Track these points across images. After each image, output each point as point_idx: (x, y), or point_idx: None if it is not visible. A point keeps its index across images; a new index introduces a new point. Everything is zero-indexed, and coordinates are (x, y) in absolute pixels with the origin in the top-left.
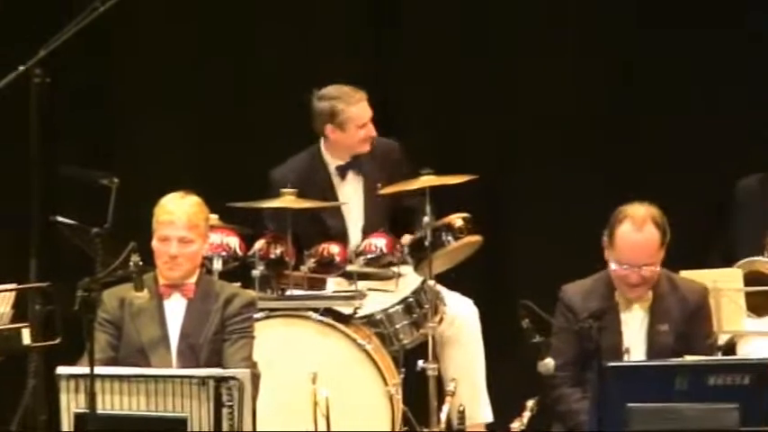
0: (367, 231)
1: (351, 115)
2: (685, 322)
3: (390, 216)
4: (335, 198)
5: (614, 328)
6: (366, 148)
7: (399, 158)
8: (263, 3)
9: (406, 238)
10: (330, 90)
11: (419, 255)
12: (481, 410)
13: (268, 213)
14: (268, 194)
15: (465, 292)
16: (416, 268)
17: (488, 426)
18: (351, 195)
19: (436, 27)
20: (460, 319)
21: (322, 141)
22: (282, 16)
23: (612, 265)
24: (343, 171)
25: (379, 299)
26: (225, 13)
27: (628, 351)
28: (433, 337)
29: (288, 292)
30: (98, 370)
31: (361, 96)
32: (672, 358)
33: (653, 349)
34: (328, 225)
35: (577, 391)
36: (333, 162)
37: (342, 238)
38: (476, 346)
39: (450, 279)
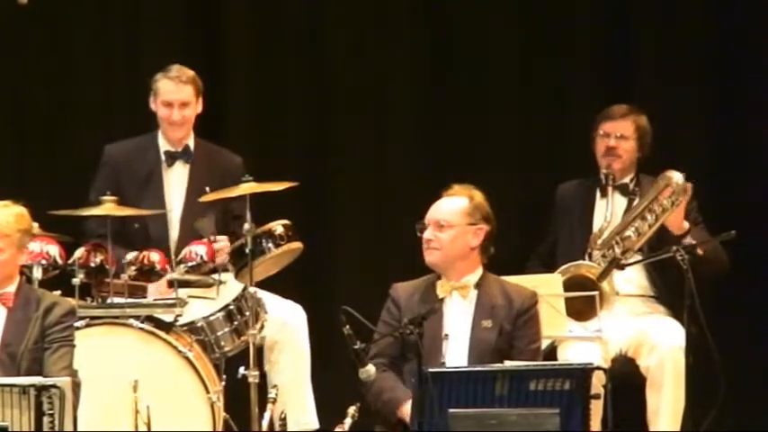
0: (184, 227)
1: (158, 86)
2: (511, 322)
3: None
4: (159, 182)
5: (437, 315)
6: (172, 132)
7: (237, 173)
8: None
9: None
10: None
11: (240, 262)
12: (307, 417)
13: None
14: (97, 170)
15: (289, 298)
16: (237, 275)
17: None
18: (174, 183)
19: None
20: (290, 324)
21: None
22: (105, 17)
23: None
24: (171, 158)
25: (200, 306)
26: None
27: (447, 337)
28: (254, 344)
29: (108, 300)
30: None
31: (177, 75)
32: (493, 355)
33: (475, 344)
34: (148, 227)
35: (390, 374)
36: (164, 146)
37: (161, 229)
38: (304, 352)
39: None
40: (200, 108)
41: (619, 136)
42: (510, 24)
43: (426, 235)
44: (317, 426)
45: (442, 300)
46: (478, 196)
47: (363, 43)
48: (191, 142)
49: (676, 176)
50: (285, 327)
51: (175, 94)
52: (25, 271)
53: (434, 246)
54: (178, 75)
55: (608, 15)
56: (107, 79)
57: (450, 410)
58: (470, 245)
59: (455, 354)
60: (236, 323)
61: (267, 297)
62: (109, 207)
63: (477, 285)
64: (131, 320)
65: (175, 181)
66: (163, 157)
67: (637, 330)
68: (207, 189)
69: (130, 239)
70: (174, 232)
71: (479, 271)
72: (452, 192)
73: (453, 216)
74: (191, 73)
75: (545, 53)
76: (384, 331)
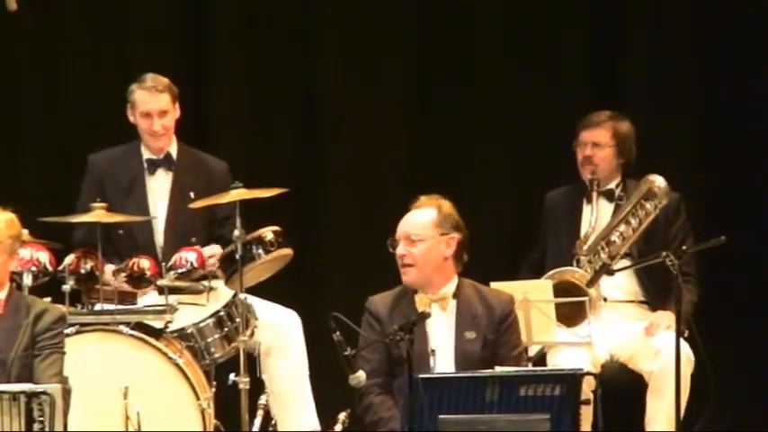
0: (170, 233)
1: (135, 98)
2: (493, 331)
3: (205, 226)
4: (142, 189)
5: (421, 330)
6: (155, 142)
7: (222, 179)
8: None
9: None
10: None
11: (230, 268)
12: (309, 419)
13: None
14: (83, 180)
15: (279, 304)
16: (227, 282)
17: None
18: (157, 190)
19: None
20: (285, 329)
21: None
22: (96, 24)
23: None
24: (153, 165)
25: (190, 313)
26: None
27: (434, 353)
28: (245, 351)
29: (98, 307)
30: None
31: (153, 85)
32: (480, 366)
33: (461, 356)
34: (134, 233)
35: (387, 400)
36: (146, 154)
37: (147, 236)
38: (301, 355)
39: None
40: (177, 113)
41: (594, 144)
42: (500, 29)
43: (399, 251)
44: (318, 428)
45: (424, 312)
46: (446, 206)
47: (353, 47)
48: (173, 149)
49: (658, 180)
50: (280, 332)
51: (153, 104)
52: (15, 278)
53: (408, 261)
54: (153, 84)
55: (600, 19)
56: (98, 86)
57: (441, 416)
58: (444, 255)
59: (442, 368)
60: (226, 330)
61: (260, 303)
62: (99, 214)
63: (455, 295)
64: (121, 327)
65: (158, 188)
66: (145, 165)
67: (631, 336)
68: (191, 195)
69: (117, 247)
70: (160, 239)
71: (455, 280)
72: (420, 204)
73: (423, 228)
74: (165, 80)
75: (537, 57)
76: (369, 352)
